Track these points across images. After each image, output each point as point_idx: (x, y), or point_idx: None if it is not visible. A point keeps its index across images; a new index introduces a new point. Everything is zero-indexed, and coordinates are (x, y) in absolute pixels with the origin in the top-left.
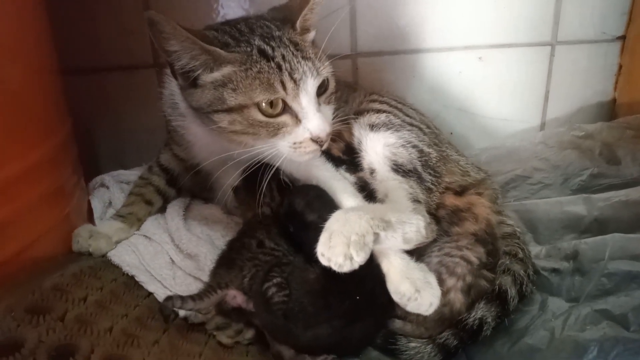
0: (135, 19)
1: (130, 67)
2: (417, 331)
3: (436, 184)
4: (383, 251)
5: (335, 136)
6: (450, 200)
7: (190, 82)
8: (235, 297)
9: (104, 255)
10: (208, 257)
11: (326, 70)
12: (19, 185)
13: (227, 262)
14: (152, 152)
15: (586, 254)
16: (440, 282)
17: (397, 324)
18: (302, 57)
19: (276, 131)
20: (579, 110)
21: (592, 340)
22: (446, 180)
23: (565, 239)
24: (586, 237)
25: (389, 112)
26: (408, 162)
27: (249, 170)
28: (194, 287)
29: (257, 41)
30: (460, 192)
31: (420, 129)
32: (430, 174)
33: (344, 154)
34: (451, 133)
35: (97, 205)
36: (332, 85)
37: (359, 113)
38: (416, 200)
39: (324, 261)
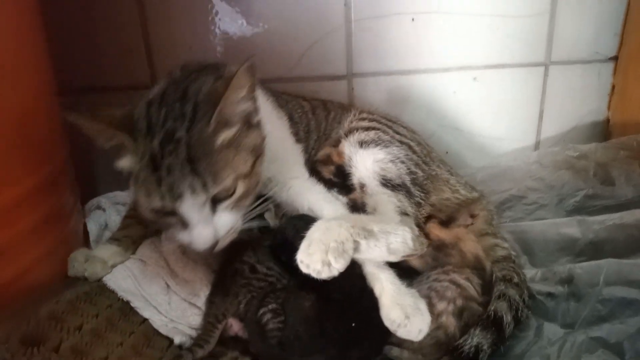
0: (133, 38)
1: (129, 87)
2: (415, 358)
3: (424, 199)
4: (375, 274)
5: (325, 159)
6: (435, 232)
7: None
8: (232, 325)
9: (99, 280)
10: (204, 282)
11: (230, 178)
12: (17, 210)
13: (221, 290)
14: None
15: (581, 278)
16: (431, 306)
17: (395, 351)
18: (191, 171)
19: (167, 227)
20: (573, 130)
21: None
22: (432, 200)
23: (561, 262)
24: (581, 260)
25: (378, 129)
26: (397, 176)
27: None
28: (189, 313)
29: (155, 142)
30: (447, 221)
31: (410, 146)
32: (418, 190)
33: (334, 176)
34: (447, 152)
35: (92, 228)
36: (241, 190)
37: (349, 132)
38: (404, 213)
39: (303, 268)
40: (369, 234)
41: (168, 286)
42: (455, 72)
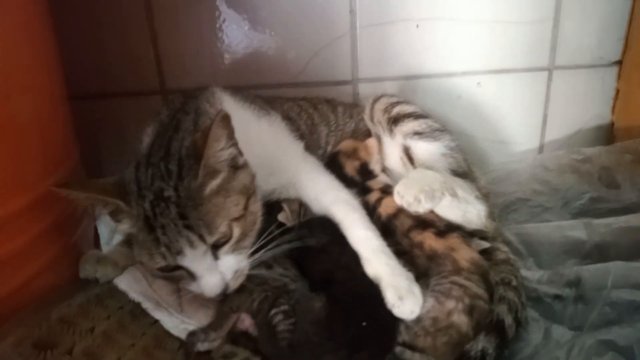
0: (142, 45)
1: (139, 93)
2: None
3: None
4: (370, 258)
5: (351, 152)
6: (429, 242)
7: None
8: (244, 320)
9: (110, 281)
10: None
11: (225, 224)
12: (31, 215)
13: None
14: None
15: (588, 281)
16: (440, 305)
17: (406, 354)
18: (185, 227)
19: (178, 280)
20: (577, 133)
21: None
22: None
23: (567, 264)
24: (587, 262)
25: (425, 117)
26: (458, 166)
27: None
28: (200, 313)
29: (147, 203)
30: (444, 231)
31: (449, 131)
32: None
33: (358, 173)
34: None
35: (103, 231)
36: (238, 232)
37: (395, 121)
38: (477, 197)
39: (397, 198)
40: (454, 194)
41: (179, 287)
42: (460, 77)
